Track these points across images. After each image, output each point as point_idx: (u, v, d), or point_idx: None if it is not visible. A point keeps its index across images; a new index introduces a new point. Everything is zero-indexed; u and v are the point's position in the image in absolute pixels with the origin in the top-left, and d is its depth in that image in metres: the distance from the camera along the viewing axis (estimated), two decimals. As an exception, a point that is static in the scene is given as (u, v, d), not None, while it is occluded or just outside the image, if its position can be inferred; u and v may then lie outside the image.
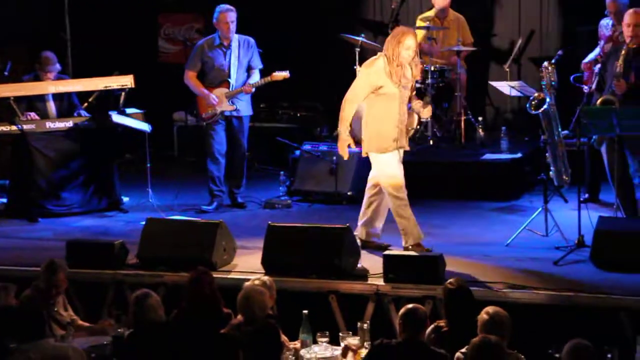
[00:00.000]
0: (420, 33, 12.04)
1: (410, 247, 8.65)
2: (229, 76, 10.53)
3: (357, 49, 11.75)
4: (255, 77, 10.58)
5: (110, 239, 9.29)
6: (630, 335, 7.38)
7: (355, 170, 10.92)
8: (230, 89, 10.52)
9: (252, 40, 10.63)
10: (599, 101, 9.03)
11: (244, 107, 10.67)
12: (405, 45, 8.46)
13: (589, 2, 12.40)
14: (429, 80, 11.60)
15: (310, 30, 13.43)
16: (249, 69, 10.62)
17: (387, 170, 8.67)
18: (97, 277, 8.75)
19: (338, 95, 12.43)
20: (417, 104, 8.79)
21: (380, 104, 8.60)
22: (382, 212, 8.90)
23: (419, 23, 12.13)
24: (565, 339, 6.14)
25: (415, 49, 8.53)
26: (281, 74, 10.57)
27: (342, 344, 6.99)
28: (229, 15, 10.48)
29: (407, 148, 8.83)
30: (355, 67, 11.82)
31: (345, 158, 8.99)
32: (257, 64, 10.64)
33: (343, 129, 8.73)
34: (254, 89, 10.55)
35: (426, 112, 8.84)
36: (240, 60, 10.56)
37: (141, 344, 6.87)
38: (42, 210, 10.63)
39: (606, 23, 10.25)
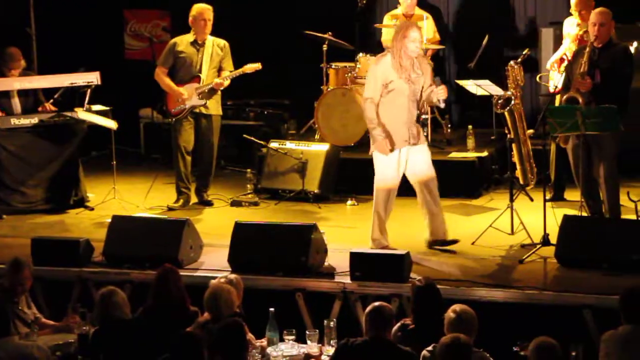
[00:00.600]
0: (389, 31, 12.09)
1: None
2: (200, 71, 10.52)
3: (324, 47, 11.77)
4: (226, 74, 10.57)
5: (75, 236, 9.24)
6: (594, 332, 7.45)
7: (323, 168, 10.93)
8: (201, 84, 10.51)
9: (226, 43, 10.63)
10: (564, 98, 9.07)
11: (214, 106, 10.65)
12: (411, 38, 8.44)
13: (554, 2, 12.50)
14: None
15: (277, 27, 13.42)
16: (220, 70, 10.60)
17: (382, 171, 8.64)
18: (62, 274, 8.71)
19: (305, 92, 12.52)
20: (432, 93, 8.67)
21: (390, 100, 8.55)
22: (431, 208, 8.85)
23: (386, 20, 12.15)
24: (530, 336, 6.18)
25: (421, 41, 8.51)
26: (253, 66, 10.57)
27: (306, 348, 6.99)
28: (206, 12, 10.49)
29: (424, 143, 8.79)
30: (322, 64, 11.86)
31: (387, 155, 8.70)
32: (229, 66, 10.61)
33: (376, 132, 8.60)
34: (226, 82, 10.50)
35: (442, 93, 8.65)
36: (213, 59, 10.54)
37: (106, 341, 6.85)
38: (7, 207, 10.55)
39: (571, 22, 10.30)
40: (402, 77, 8.51)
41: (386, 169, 8.62)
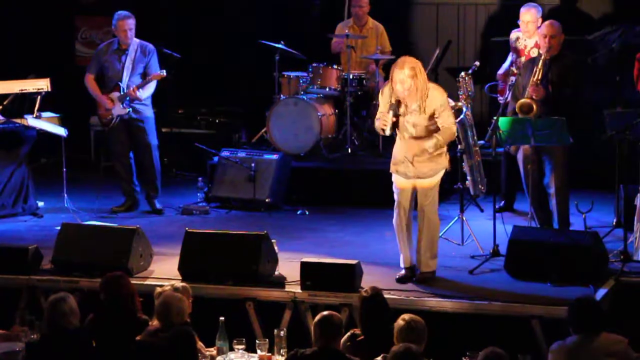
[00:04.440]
0: (340, 41, 12.12)
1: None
2: (121, 80, 10.48)
3: (277, 56, 11.78)
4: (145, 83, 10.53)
5: (24, 243, 9.16)
6: (542, 342, 7.51)
7: (274, 177, 10.93)
8: (121, 92, 10.48)
9: (151, 46, 10.59)
10: (517, 104, 9.08)
11: (143, 108, 10.61)
12: (395, 79, 8.07)
13: (504, 14, 12.61)
14: (347, 89, 11.68)
15: (229, 36, 13.41)
16: (146, 76, 10.55)
17: (395, 194, 8.49)
18: (11, 282, 8.63)
19: (257, 101, 12.52)
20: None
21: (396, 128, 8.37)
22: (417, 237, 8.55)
23: (338, 30, 12.18)
24: (479, 346, 6.22)
25: (403, 80, 8.01)
26: (157, 74, 10.51)
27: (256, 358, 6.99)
28: (127, 22, 10.46)
29: (433, 176, 8.29)
30: (275, 73, 11.86)
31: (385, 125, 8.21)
32: (154, 70, 10.55)
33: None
34: (141, 93, 10.45)
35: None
36: (135, 66, 10.51)
37: (54, 349, 6.78)
38: (-45, 214, 10.46)
39: (516, 36, 10.37)
40: (400, 109, 8.22)
41: (396, 192, 8.46)
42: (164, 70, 10.56)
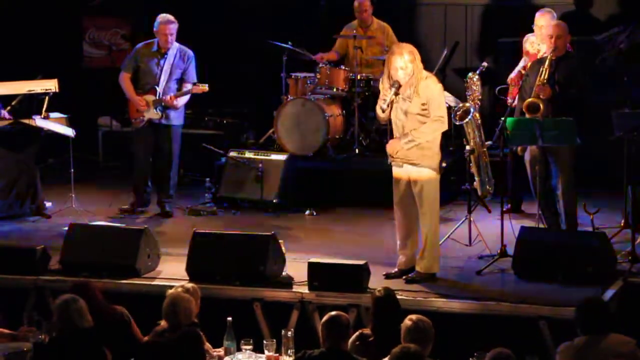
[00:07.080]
0: (345, 42, 12.10)
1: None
2: (157, 84, 10.46)
3: (285, 56, 11.78)
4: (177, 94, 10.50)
5: (32, 244, 9.17)
6: (549, 343, 7.51)
7: (282, 178, 10.93)
8: (157, 97, 10.45)
9: (191, 53, 10.55)
10: (524, 103, 9.08)
11: (175, 115, 10.58)
12: (392, 66, 8.19)
13: (512, 15, 12.61)
14: (355, 89, 11.67)
15: (237, 37, 13.42)
16: (183, 82, 10.54)
17: None
18: (18, 282, 8.65)
19: (264, 102, 12.53)
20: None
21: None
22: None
23: (344, 31, 12.17)
24: (487, 347, 6.22)
25: (404, 66, 8.15)
26: (200, 88, 10.49)
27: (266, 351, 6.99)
28: (169, 27, 10.40)
29: (413, 165, 8.29)
30: (282, 74, 11.86)
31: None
32: (191, 77, 10.54)
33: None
34: (178, 102, 10.45)
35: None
36: (173, 70, 10.47)
37: (66, 350, 6.79)
38: (-37, 214, 10.48)
39: (529, 41, 10.34)
40: (401, 94, 8.27)
41: (393, 184, 8.52)
42: (207, 85, 10.46)
